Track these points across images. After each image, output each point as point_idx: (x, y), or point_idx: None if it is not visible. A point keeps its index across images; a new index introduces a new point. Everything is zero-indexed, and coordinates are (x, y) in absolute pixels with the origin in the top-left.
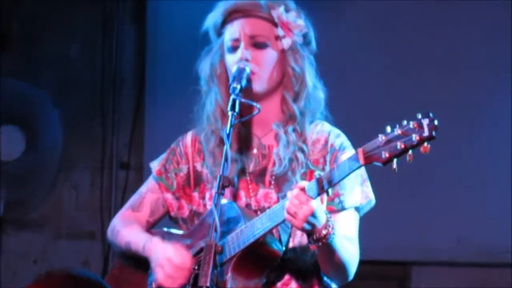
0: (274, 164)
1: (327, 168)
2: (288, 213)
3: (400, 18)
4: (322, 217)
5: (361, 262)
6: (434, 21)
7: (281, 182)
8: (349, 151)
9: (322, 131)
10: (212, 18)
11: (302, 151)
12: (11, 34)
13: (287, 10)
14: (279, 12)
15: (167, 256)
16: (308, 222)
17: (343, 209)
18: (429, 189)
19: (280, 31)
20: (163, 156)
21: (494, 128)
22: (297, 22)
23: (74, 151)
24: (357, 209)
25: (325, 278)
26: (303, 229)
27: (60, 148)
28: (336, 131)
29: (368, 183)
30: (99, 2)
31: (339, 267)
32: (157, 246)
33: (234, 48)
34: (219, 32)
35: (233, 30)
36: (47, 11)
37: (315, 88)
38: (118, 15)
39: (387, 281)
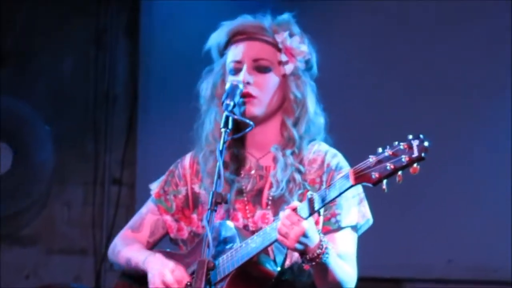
0: (271, 185)
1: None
2: (280, 233)
3: (395, 24)
4: (314, 237)
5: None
6: (431, 34)
7: (278, 204)
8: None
9: (319, 151)
10: (216, 38)
11: (299, 171)
12: (5, 49)
13: (291, 35)
14: (283, 37)
15: (170, 266)
16: (300, 242)
17: (339, 228)
18: (421, 208)
19: (283, 57)
20: (162, 178)
21: (490, 147)
22: (301, 48)
23: (66, 167)
24: (354, 228)
25: None
26: (295, 249)
27: (51, 164)
28: (333, 151)
29: (365, 203)
30: (92, 17)
31: (335, 286)
32: (159, 259)
33: (236, 70)
34: (222, 53)
35: (236, 52)
36: (40, 26)
37: (315, 114)
38: (111, 31)
39: None
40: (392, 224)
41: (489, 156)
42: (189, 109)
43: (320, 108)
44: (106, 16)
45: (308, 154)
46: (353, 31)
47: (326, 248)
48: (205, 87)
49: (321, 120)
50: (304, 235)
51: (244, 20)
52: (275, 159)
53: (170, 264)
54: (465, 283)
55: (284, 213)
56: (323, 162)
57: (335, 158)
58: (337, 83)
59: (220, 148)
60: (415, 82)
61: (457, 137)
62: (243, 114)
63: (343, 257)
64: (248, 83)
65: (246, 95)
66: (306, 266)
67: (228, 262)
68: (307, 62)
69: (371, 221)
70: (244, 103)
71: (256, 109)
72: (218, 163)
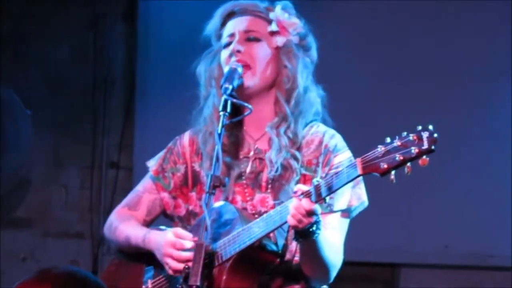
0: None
1: (319, 170)
2: (294, 219)
3: (397, 20)
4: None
5: (350, 264)
6: (432, 23)
7: (277, 188)
8: (344, 153)
9: (317, 132)
10: (212, 23)
11: (295, 158)
12: (1, 35)
13: (283, 10)
14: (275, 11)
15: (174, 232)
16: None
17: (331, 212)
18: (417, 193)
19: (274, 27)
20: (160, 155)
21: (486, 135)
22: (292, 20)
23: (64, 150)
24: (347, 210)
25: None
26: (297, 228)
27: (30, 148)
28: (331, 131)
29: (362, 185)
30: (90, 2)
31: (321, 267)
32: (157, 235)
33: (228, 44)
34: (219, 35)
35: (229, 27)
36: (36, 11)
37: (307, 90)
38: (108, 16)
39: (375, 283)
40: (388, 209)
41: (485, 144)
42: (187, 92)
43: (317, 88)
44: (104, 1)
45: (306, 135)
46: (354, 19)
47: (319, 225)
48: (203, 70)
49: (313, 97)
50: (315, 220)
51: (237, 1)
52: (269, 140)
53: (170, 235)
54: (461, 268)
55: (300, 201)
56: (320, 142)
57: (333, 139)
58: (341, 72)
59: (219, 131)
60: (417, 73)
61: (455, 125)
62: (239, 88)
63: (330, 241)
64: (238, 51)
65: (238, 63)
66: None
67: (230, 246)
68: (302, 38)
69: (366, 203)
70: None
71: (250, 80)
72: (216, 147)
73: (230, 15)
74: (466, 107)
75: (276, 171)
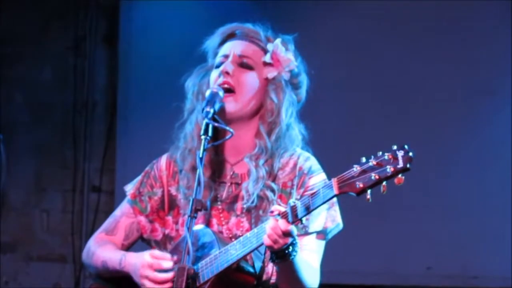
0: (243, 196)
1: (294, 192)
2: (270, 239)
3: (390, 23)
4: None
5: (330, 286)
6: (430, 26)
7: (252, 214)
8: (318, 175)
9: (292, 154)
10: (211, 40)
11: (272, 189)
12: None
13: (282, 45)
14: (274, 42)
15: (150, 254)
16: (286, 247)
17: (306, 233)
18: (399, 214)
19: (268, 58)
20: (138, 179)
21: (471, 157)
22: (288, 56)
23: (45, 175)
24: (323, 232)
25: None
26: (272, 249)
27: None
28: (306, 154)
29: (336, 207)
30: (71, 25)
31: None
32: (132, 257)
33: (221, 64)
34: (215, 53)
35: (226, 48)
36: (18, 33)
37: (289, 127)
38: (90, 38)
39: None
40: (370, 231)
41: (471, 164)
42: (169, 116)
43: (299, 125)
44: (85, 23)
45: (281, 159)
46: (341, 31)
47: (296, 247)
48: (192, 84)
49: (296, 135)
50: (291, 242)
51: (241, 24)
52: (248, 170)
53: (146, 256)
54: None
55: (276, 222)
56: (295, 165)
57: (308, 161)
58: (321, 91)
59: (200, 155)
60: (405, 88)
61: (438, 144)
62: (220, 112)
63: (306, 263)
64: (227, 72)
65: (224, 85)
66: (275, 264)
67: (208, 268)
68: (293, 75)
69: (341, 225)
70: (222, 100)
71: (233, 105)
72: (198, 171)
73: (230, 36)
74: (451, 123)
75: (252, 202)
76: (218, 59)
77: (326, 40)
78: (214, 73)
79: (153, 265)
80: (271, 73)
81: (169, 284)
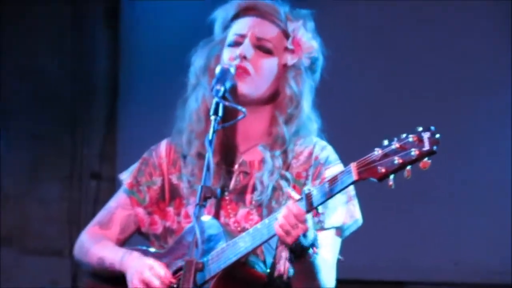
0: (254, 187)
1: (309, 183)
2: (282, 229)
3: (395, 21)
4: (310, 235)
5: (353, 282)
6: (431, 24)
7: (263, 207)
8: (336, 166)
9: (307, 143)
10: (223, 10)
11: (286, 179)
12: None
13: (304, 27)
14: (295, 26)
15: (149, 264)
16: (298, 240)
17: (322, 229)
18: (426, 208)
19: (289, 45)
20: (134, 166)
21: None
22: (311, 43)
23: (41, 161)
24: (340, 229)
25: None
26: (290, 246)
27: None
28: (322, 143)
29: (355, 201)
30: (69, 5)
31: None
32: (136, 259)
33: (236, 43)
34: (226, 25)
35: (242, 25)
36: (13, 14)
37: (309, 118)
38: (89, 19)
39: None
40: (396, 225)
41: (495, 157)
42: (174, 100)
43: (316, 114)
44: (84, 3)
45: (294, 147)
46: (354, 21)
47: (317, 247)
48: (199, 59)
49: (314, 126)
50: (304, 234)
51: None
52: (262, 160)
53: (148, 261)
54: (473, 286)
55: (291, 208)
56: (310, 154)
57: (324, 151)
58: (336, 74)
59: (210, 137)
60: (414, 79)
61: (466, 135)
62: (231, 90)
63: (321, 262)
64: (245, 57)
65: (239, 69)
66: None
67: (214, 263)
68: (313, 62)
69: (360, 221)
70: (235, 78)
71: (247, 87)
72: (207, 155)
73: (247, 11)
74: (473, 113)
75: (266, 196)
76: (233, 36)
77: (342, 20)
78: (228, 52)
79: (144, 280)
80: (291, 59)
81: None
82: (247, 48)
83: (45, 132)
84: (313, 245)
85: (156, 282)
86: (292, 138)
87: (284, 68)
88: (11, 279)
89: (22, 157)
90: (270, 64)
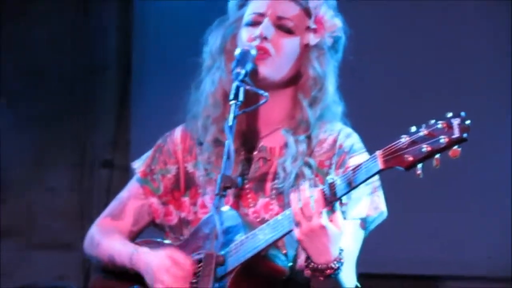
0: (275, 173)
1: (332, 172)
2: (295, 218)
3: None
4: (333, 247)
5: (386, 277)
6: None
7: (284, 196)
8: (361, 155)
9: (331, 130)
10: None
11: (309, 166)
12: None
13: (327, 4)
14: (317, 3)
15: (169, 256)
16: (311, 239)
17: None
18: (460, 201)
19: (312, 24)
20: (148, 154)
21: None
22: (333, 21)
23: (48, 149)
24: (364, 221)
25: None
26: (302, 246)
27: (9, 145)
28: (347, 130)
29: (380, 192)
30: None
31: None
32: (147, 254)
33: (255, 23)
34: (242, 3)
35: (260, 4)
36: None
37: (334, 101)
38: None
39: None
40: (429, 218)
41: None
42: (191, 81)
43: (339, 96)
44: None
45: (318, 134)
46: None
47: (341, 263)
48: (214, 40)
49: (338, 109)
50: (316, 232)
51: None
52: (285, 145)
53: (163, 251)
54: (505, 280)
55: (311, 195)
56: (334, 142)
57: (349, 139)
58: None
59: (230, 123)
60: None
61: (500, 125)
62: (252, 73)
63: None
64: (265, 38)
65: (260, 50)
66: (307, 272)
67: (232, 256)
68: (336, 41)
69: (385, 213)
70: (255, 60)
71: (268, 70)
72: (227, 142)
73: None
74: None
75: (289, 184)
76: (251, 15)
77: None
78: (246, 32)
79: (170, 270)
80: (314, 38)
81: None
82: (267, 27)
83: (53, 117)
84: (337, 261)
85: (180, 272)
86: (317, 123)
87: (306, 49)
88: (14, 275)
89: (28, 143)
90: (291, 45)
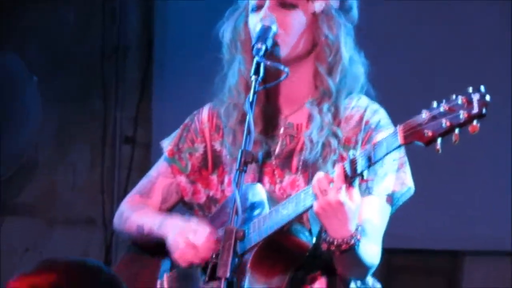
0: (302, 147)
1: (359, 148)
2: (313, 190)
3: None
4: (351, 222)
5: (404, 252)
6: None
7: (310, 169)
8: (387, 130)
9: (358, 106)
10: None
11: (336, 136)
12: None
13: None
14: None
15: (192, 226)
16: (328, 214)
17: (369, 195)
18: (481, 176)
19: None
20: (176, 133)
21: None
22: None
23: (70, 126)
24: (390, 197)
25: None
26: (320, 219)
27: (39, 123)
28: (374, 106)
29: (406, 168)
30: None
31: (356, 271)
32: (178, 220)
33: (258, 7)
34: None
35: None
36: None
37: (352, 62)
38: None
39: (435, 273)
40: (451, 194)
41: None
42: (212, 61)
43: (360, 55)
44: None
45: (345, 110)
46: None
47: (357, 239)
48: (227, 33)
49: (359, 69)
50: (333, 207)
51: None
52: (310, 117)
53: (192, 222)
54: None
55: (336, 170)
56: (361, 118)
57: (376, 114)
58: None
59: (251, 99)
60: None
61: None
62: (269, 55)
63: (365, 227)
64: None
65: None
66: (324, 245)
67: (255, 231)
68: (343, 0)
69: (412, 189)
70: (275, 37)
71: (281, 50)
72: (248, 117)
73: None
74: None
75: (316, 153)
76: (254, 1)
77: None
78: (253, 19)
79: (198, 228)
80: (318, 6)
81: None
82: (268, 10)
83: (73, 95)
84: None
85: (201, 247)
86: (340, 89)
87: (313, 17)
88: (37, 250)
89: (50, 121)
90: (297, 19)
